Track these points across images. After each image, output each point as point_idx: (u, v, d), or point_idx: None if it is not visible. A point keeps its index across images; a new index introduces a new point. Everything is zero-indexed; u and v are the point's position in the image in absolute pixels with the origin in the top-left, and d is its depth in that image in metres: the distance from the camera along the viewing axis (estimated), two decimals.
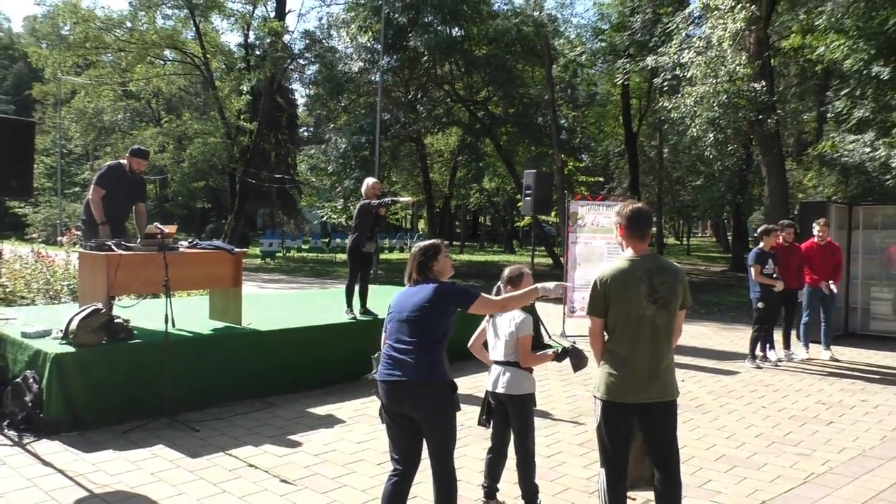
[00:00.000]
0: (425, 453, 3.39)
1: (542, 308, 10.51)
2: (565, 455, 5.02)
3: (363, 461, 4.78)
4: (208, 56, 30.19)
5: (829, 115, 18.51)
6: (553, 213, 22.85)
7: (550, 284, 3.62)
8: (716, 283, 21.89)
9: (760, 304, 8.35)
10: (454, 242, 48.82)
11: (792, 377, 7.89)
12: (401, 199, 7.85)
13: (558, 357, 3.87)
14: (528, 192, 10.37)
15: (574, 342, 4.01)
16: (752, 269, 8.37)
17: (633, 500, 4.00)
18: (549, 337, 9.92)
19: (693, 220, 51.37)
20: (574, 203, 10.63)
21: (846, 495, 4.34)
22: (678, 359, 8.60)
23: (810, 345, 9.03)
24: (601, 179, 35.06)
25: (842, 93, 15.35)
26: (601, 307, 3.29)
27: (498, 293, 3.93)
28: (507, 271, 4.03)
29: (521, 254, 37.79)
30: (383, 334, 3.50)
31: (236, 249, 6.77)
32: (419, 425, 3.33)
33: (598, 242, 10.25)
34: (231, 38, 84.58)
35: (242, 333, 6.51)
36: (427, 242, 3.61)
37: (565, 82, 29.13)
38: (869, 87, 14.32)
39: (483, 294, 3.47)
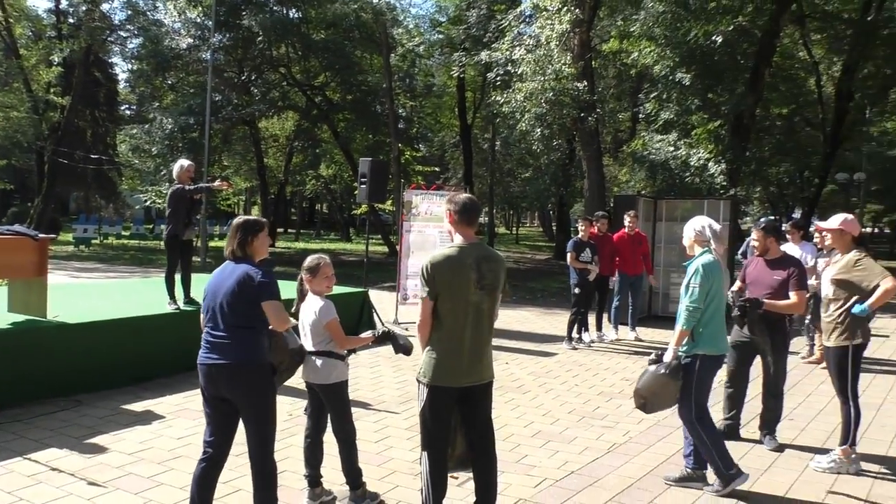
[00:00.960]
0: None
1: (375, 295, 10.61)
2: (393, 440, 5.13)
3: (183, 458, 4.58)
4: (10, 21, 27.12)
5: (640, 115, 20.24)
6: (389, 202, 23.03)
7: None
8: (540, 271, 23.19)
9: (577, 290, 9.00)
10: (290, 230, 47.71)
11: (602, 357, 8.58)
12: (213, 185, 7.49)
13: (378, 340, 3.94)
14: (363, 180, 10.39)
15: (391, 328, 4.09)
16: (569, 256, 9.01)
17: (456, 478, 4.18)
18: (383, 324, 10.04)
19: (522, 211, 53.99)
20: (408, 192, 10.80)
21: (642, 461, 4.81)
22: (503, 342, 9.07)
23: (619, 326, 9.86)
24: (437, 169, 35.81)
25: (651, 96, 16.83)
26: (431, 291, 3.38)
27: (300, 284, 3.97)
28: (306, 261, 4.00)
29: (358, 242, 37.73)
30: (202, 316, 3.47)
31: (41, 235, 6.20)
32: (237, 409, 3.36)
33: (432, 231, 10.48)
34: (39, 2, 76.48)
35: (46, 327, 5.98)
36: (252, 218, 3.57)
37: (403, 72, 29.33)
38: (674, 91, 15.82)
39: (279, 303, 3.36)
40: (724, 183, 15.27)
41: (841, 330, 4.59)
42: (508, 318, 11.58)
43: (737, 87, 15.92)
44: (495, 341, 9.11)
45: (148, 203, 30.95)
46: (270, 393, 3.41)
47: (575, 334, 9.22)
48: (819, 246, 7.40)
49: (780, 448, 5.12)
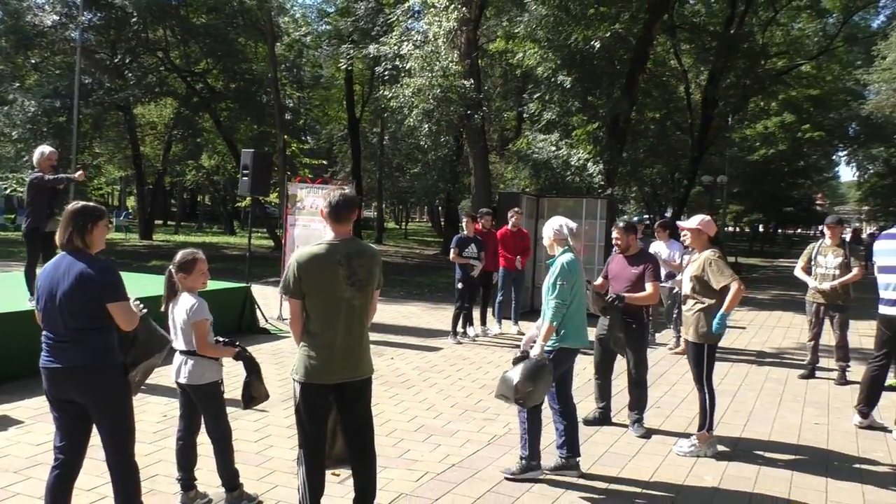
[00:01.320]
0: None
1: (258, 290, 10.34)
2: (273, 439, 5.04)
3: (43, 465, 4.27)
4: None
5: (525, 115, 20.80)
6: (275, 195, 22.51)
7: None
8: (428, 266, 23.37)
9: (460, 285, 9.17)
10: (169, 222, 45.57)
11: (486, 350, 8.78)
12: (73, 175, 7.09)
13: (243, 362, 3.82)
14: (245, 171, 10.11)
15: (258, 363, 3.98)
16: (452, 252, 9.18)
17: (337, 475, 4.16)
18: (267, 321, 9.83)
19: (411, 206, 54.20)
20: (293, 185, 10.60)
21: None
22: (389, 337, 9.10)
23: (503, 321, 10.12)
24: (325, 162, 35.31)
25: (535, 96, 17.30)
26: (297, 289, 3.34)
27: (169, 278, 3.80)
28: (178, 257, 3.80)
29: (242, 235, 36.56)
30: (38, 315, 3.20)
31: None
32: (87, 411, 3.17)
33: (317, 225, 10.30)
34: None
35: None
36: (91, 204, 3.28)
37: (290, 62, 28.68)
38: (556, 93, 16.36)
39: (126, 303, 3.17)
40: (602, 182, 15.98)
41: (696, 328, 4.96)
42: (395, 313, 11.62)
43: (614, 91, 16.67)
44: (381, 336, 9.15)
45: (8, 191, 28.67)
46: (124, 393, 3.22)
47: (460, 329, 9.38)
48: (685, 244, 7.91)
49: (647, 434, 5.45)
